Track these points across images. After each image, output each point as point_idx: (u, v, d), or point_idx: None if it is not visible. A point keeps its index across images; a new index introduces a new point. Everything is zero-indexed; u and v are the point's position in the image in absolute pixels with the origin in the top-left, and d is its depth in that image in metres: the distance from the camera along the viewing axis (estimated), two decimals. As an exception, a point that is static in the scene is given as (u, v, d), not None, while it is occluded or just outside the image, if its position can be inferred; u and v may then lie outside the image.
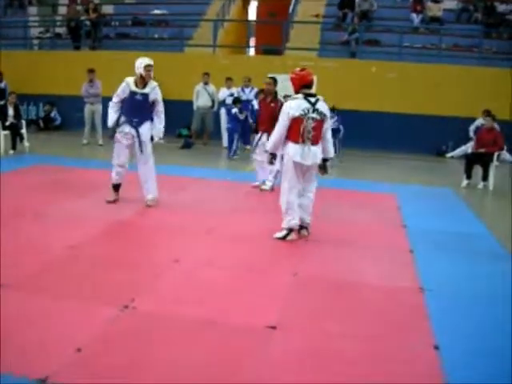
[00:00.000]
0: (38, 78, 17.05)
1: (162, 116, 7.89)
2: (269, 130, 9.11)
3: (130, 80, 7.67)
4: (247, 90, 13.73)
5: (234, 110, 12.97)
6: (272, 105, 9.25)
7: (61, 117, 17.16)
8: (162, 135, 7.98)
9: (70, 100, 16.09)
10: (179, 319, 4.33)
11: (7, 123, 12.36)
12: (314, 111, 6.35)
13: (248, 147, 12.57)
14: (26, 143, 12.43)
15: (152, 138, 7.85)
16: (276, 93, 9.53)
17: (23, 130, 12.54)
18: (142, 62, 7.54)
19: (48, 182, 9.30)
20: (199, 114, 15.02)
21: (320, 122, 6.42)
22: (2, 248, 5.84)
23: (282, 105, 9.07)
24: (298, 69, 6.64)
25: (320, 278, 5.48)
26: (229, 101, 13.82)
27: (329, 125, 6.66)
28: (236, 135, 13.01)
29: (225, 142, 14.16)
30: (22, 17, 20.59)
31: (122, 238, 6.71)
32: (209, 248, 6.39)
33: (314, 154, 6.44)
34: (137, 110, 7.71)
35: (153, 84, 7.75)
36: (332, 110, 13.42)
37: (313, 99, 6.42)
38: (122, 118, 7.79)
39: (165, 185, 8.76)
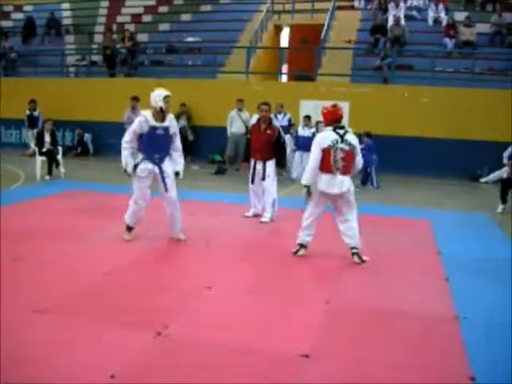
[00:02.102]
0: (74, 105, 17.34)
1: (181, 149, 7.43)
2: (265, 158, 8.91)
3: (148, 114, 7.07)
4: (280, 117, 13.75)
5: None
6: (268, 132, 8.90)
7: (96, 143, 17.43)
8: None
9: (106, 126, 16.39)
10: (212, 346, 4.32)
11: (44, 149, 12.62)
12: (342, 142, 6.61)
13: (284, 174, 11.74)
14: (62, 169, 12.65)
15: (177, 174, 7.36)
16: (271, 119, 9.31)
17: (59, 156, 12.78)
18: (160, 95, 7.00)
19: (81, 207, 9.44)
20: (233, 141, 14.85)
21: (350, 153, 6.67)
22: (38, 272, 5.95)
23: (279, 131, 9.04)
24: (330, 104, 6.94)
25: (353, 306, 5.44)
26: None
27: (359, 155, 6.89)
28: None
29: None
30: (59, 45, 21.13)
31: (156, 264, 6.76)
32: (242, 274, 6.43)
33: (341, 182, 6.64)
34: (158, 145, 7.14)
35: (171, 116, 7.27)
36: (368, 135, 13.12)
37: (341, 131, 6.70)
38: (140, 156, 7.19)
39: (198, 211, 8.81)
